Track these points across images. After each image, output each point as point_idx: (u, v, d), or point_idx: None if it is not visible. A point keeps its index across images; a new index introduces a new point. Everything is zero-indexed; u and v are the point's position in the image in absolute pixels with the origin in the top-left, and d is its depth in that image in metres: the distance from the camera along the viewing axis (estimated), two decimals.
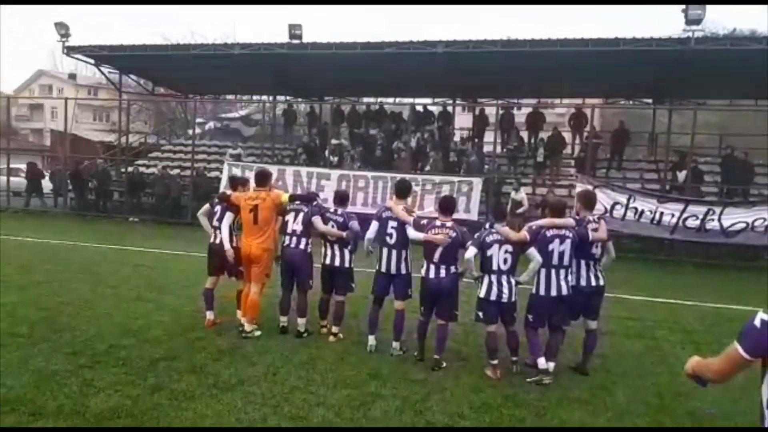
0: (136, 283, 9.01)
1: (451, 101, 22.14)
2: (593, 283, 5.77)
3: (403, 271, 6.21)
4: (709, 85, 18.29)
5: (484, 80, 19.12)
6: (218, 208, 6.92)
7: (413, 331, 6.19)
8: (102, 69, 21.22)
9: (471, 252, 5.68)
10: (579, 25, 68.08)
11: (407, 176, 14.68)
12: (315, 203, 6.85)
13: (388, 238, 6.20)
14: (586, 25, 72.09)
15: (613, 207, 13.58)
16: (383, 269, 6.24)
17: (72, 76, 44.83)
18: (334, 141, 18.84)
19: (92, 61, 20.58)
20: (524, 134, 19.86)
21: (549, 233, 5.62)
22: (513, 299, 5.72)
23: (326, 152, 17.31)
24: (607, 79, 18.29)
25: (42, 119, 47.04)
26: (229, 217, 6.80)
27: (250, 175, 15.04)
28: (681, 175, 15.86)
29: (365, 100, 24.02)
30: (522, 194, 15.32)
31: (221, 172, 16.59)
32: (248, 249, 6.64)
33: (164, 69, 21.30)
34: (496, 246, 5.70)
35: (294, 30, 16.99)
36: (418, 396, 5.14)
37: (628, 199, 13.70)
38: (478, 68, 17.43)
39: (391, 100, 23.11)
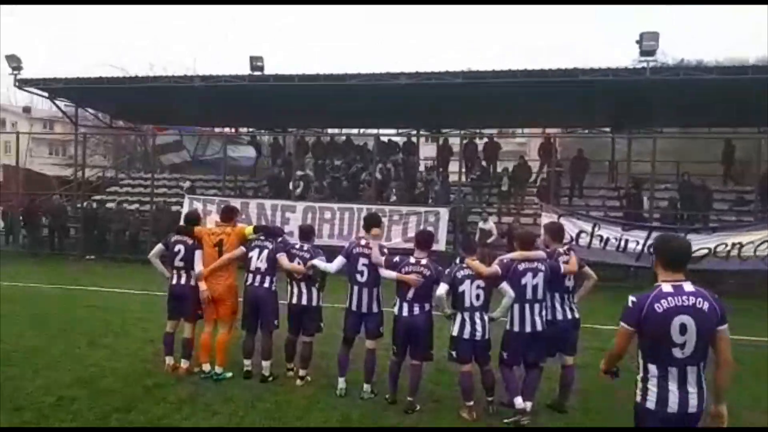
0: (90, 327, 8.50)
1: (414, 132, 22.23)
2: (569, 316, 5.65)
3: (375, 310, 5.98)
4: (664, 113, 18.73)
5: (446, 110, 19.23)
6: (180, 247, 6.56)
7: (385, 371, 5.93)
8: (57, 102, 20.61)
9: (442, 289, 5.50)
10: (538, 56, 70.00)
11: (374, 207, 14.87)
12: (280, 239, 6.59)
13: (358, 276, 5.95)
14: (546, 57, 74.24)
15: (578, 236, 13.65)
16: (354, 307, 5.99)
17: (26, 110, 43.78)
18: (299, 172, 18.61)
19: (46, 94, 19.96)
20: (484, 163, 19.99)
21: (521, 267, 5.47)
22: (487, 336, 5.53)
23: (290, 184, 17.02)
24: (566, 108, 18.63)
25: None
26: (199, 254, 6.45)
27: (212, 209, 14.75)
28: (646, 201, 16.11)
29: (329, 131, 23.96)
30: (490, 223, 15.31)
31: (182, 206, 16.11)
32: (212, 287, 6.32)
33: (122, 101, 20.75)
34: (467, 282, 5.52)
35: (255, 62, 16.84)
36: None
37: (593, 227, 13.80)
38: (440, 99, 17.53)
39: (355, 131, 23.07)
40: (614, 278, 14.58)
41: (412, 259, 5.77)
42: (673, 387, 3.31)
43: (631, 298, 3.37)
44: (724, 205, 17.20)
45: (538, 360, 5.56)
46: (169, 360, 6.53)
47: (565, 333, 5.65)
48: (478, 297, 5.50)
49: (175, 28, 75.13)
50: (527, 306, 5.42)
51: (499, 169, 19.71)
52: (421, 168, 20.78)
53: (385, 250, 6.02)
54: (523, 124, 23.43)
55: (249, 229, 6.52)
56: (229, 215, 6.68)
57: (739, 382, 6.68)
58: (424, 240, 5.98)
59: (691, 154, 21.11)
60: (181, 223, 12.87)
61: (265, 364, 6.31)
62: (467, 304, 5.50)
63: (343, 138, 21.99)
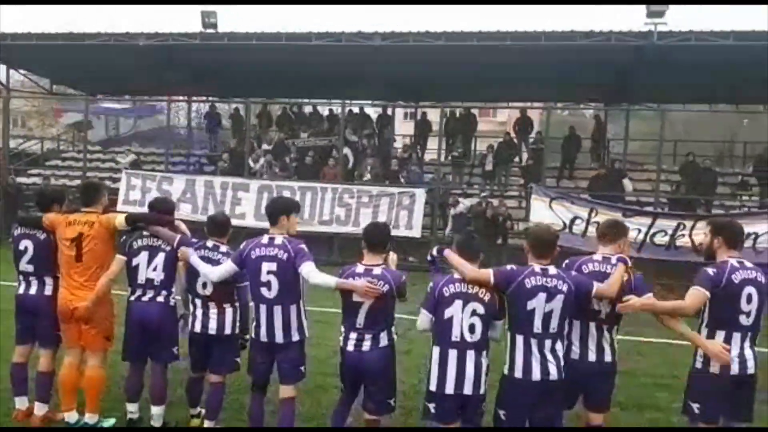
0: None
1: (390, 104, 20.27)
2: (596, 357, 3.84)
3: (294, 338, 4.08)
4: (665, 88, 17.18)
5: (425, 81, 17.42)
6: (26, 243, 4.59)
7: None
8: None
9: (424, 321, 3.72)
10: (533, 20, 66.62)
11: (340, 186, 12.98)
12: (180, 238, 4.49)
13: (264, 290, 4.03)
14: (540, 21, 70.57)
15: (572, 222, 12.02)
16: (262, 337, 4.08)
17: None
18: (264, 146, 16.58)
19: None
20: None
21: (529, 282, 3.63)
22: (482, 391, 3.71)
23: (249, 159, 14.98)
24: (559, 79, 16.85)
25: None
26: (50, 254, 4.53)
27: (151, 186, 12.56)
28: (627, 184, 14.42)
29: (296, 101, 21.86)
30: (466, 204, 13.54)
31: (119, 183, 13.99)
32: (69, 301, 4.36)
33: (60, 64, 18.43)
34: (458, 303, 3.66)
35: (208, 18, 14.69)
36: None
37: (590, 213, 12.10)
38: (419, 67, 15.67)
39: (324, 101, 20.99)
40: None
41: (360, 267, 3.91)
42: (735, 350, 3.64)
43: (710, 269, 3.70)
44: (726, 190, 15.75)
45: (551, 423, 3.71)
46: (20, 403, 4.59)
47: (590, 381, 3.84)
48: (472, 328, 3.66)
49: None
50: (535, 342, 3.61)
51: (481, 147, 17.95)
52: (398, 144, 18.91)
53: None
54: (507, 99, 21.58)
55: (119, 219, 4.45)
56: (91, 195, 4.60)
57: None
58: (378, 239, 4.05)
59: (692, 134, 19.53)
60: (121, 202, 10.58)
61: (156, 410, 4.43)
62: (455, 337, 3.65)
63: (310, 109, 19.90)
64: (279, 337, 4.02)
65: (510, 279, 3.62)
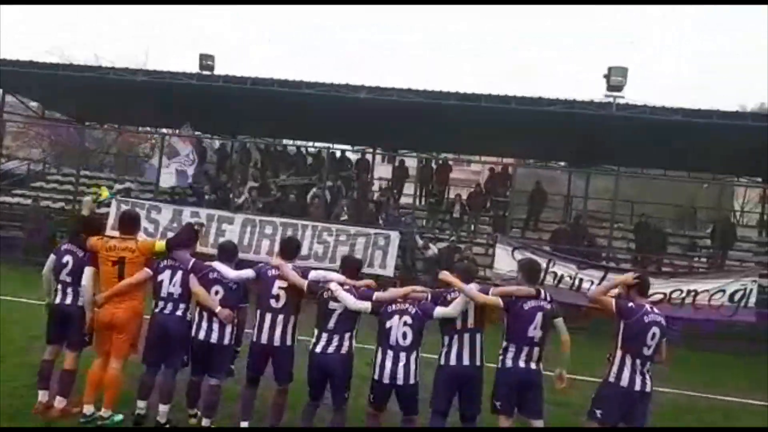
0: None
1: (370, 150, 21.37)
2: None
3: (288, 343, 5.07)
4: (623, 152, 18.60)
5: (404, 130, 18.48)
6: (68, 258, 5.37)
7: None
8: None
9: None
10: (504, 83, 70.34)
11: (320, 225, 13.82)
12: (194, 262, 5.36)
13: (272, 301, 5.00)
14: (509, 85, 74.87)
15: None
16: (263, 340, 5.04)
17: None
18: (251, 183, 17.37)
19: None
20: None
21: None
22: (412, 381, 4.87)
23: (232, 195, 15.75)
24: (526, 139, 18.15)
25: None
26: (89, 272, 5.29)
27: (140, 214, 13.28)
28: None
29: (281, 142, 22.78)
30: (432, 251, 14.47)
31: (109, 207, 14.62)
32: (110, 313, 5.13)
33: (55, 91, 19.11)
34: (396, 317, 4.82)
35: (205, 60, 15.68)
36: None
37: (548, 263, 13.09)
38: (399, 117, 16.75)
39: (307, 144, 21.99)
40: (568, 317, 13.98)
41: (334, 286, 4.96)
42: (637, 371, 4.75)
43: (632, 304, 4.83)
44: (678, 250, 16.99)
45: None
46: (42, 396, 5.29)
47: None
48: (405, 335, 4.79)
49: (127, 23, 71.92)
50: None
51: (453, 195, 19.06)
52: (375, 188, 19.88)
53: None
54: (481, 152, 22.89)
55: (160, 244, 5.35)
56: (130, 225, 5.48)
57: None
58: (350, 266, 5.31)
59: (645, 197, 20.93)
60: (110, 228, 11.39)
61: (163, 408, 5.17)
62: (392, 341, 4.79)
63: (294, 149, 20.84)
64: (277, 341, 4.95)
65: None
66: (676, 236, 18.14)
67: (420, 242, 14.75)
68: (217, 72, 15.94)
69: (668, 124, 14.54)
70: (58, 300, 5.38)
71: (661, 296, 12.41)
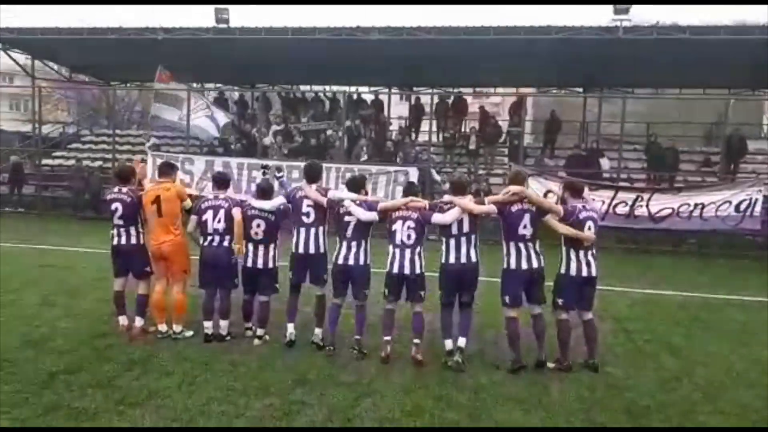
0: (43, 286, 8.23)
1: (386, 90, 21.83)
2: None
3: (321, 251, 6.08)
4: (636, 74, 18.72)
5: (418, 68, 18.86)
6: (116, 205, 6.26)
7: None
8: (12, 54, 19.66)
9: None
10: (515, 14, 68.81)
11: (342, 166, 14.64)
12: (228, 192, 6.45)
13: (304, 218, 6.01)
14: (520, 14, 73.18)
15: (546, 195, 13.56)
16: (300, 250, 6.05)
17: None
18: (275, 127, 18.15)
19: None
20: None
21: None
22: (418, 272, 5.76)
23: (259, 141, 16.62)
24: (539, 68, 18.40)
25: None
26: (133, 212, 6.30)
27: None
28: (604, 162, 16.17)
29: (298, 88, 23.37)
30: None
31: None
32: (158, 246, 6.16)
33: (81, 55, 19.86)
34: (399, 221, 5.71)
35: (220, 14, 16.20)
36: (346, 402, 4.83)
37: (560, 187, 13.80)
38: (413, 56, 17.14)
39: (324, 88, 22.55)
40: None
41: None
42: (582, 259, 5.78)
43: (567, 207, 5.76)
44: (692, 167, 17.40)
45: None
46: (123, 320, 6.37)
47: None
48: (409, 236, 5.69)
49: None
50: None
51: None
52: (393, 127, 20.47)
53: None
54: (496, 84, 23.14)
55: (188, 202, 6.33)
56: (167, 170, 6.49)
57: (693, 340, 6.86)
58: (356, 184, 6.15)
59: (661, 117, 21.11)
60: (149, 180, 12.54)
61: (223, 323, 6.21)
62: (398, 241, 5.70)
63: (312, 94, 21.44)
64: (312, 250, 5.99)
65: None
66: (691, 153, 18.47)
67: (437, 177, 15.48)
68: (232, 25, 16.40)
69: (677, 43, 14.76)
70: (115, 242, 6.32)
71: (670, 211, 13.17)
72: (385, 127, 19.24)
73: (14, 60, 20.16)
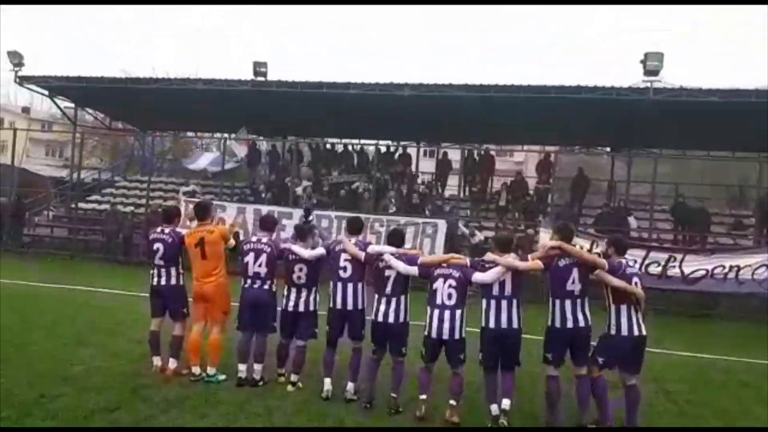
0: (79, 326, 8.32)
1: (414, 144, 22.17)
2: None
3: (359, 307, 5.99)
4: (663, 135, 18.81)
5: (447, 123, 19.19)
6: (158, 245, 6.37)
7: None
8: (56, 101, 20.48)
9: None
10: (543, 73, 70.12)
11: (372, 216, 14.75)
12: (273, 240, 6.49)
13: (341, 272, 5.96)
14: (549, 73, 74.64)
15: None
16: (338, 305, 5.98)
17: (26, 110, 43.52)
18: (305, 183, 18.49)
19: (46, 92, 19.83)
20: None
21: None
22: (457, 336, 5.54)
23: (291, 191, 16.93)
24: (566, 127, 18.60)
25: None
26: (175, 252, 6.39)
27: None
28: (632, 221, 16.05)
29: (329, 140, 23.84)
30: (478, 237, 15.14)
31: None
32: (200, 287, 6.21)
33: (123, 103, 20.65)
34: (440, 280, 5.55)
35: (259, 67, 16.80)
36: None
37: (591, 245, 13.66)
38: (442, 111, 17.46)
39: (354, 141, 22.97)
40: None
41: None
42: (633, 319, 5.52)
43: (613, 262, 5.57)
44: (722, 229, 17.17)
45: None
46: (157, 360, 6.36)
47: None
48: (450, 296, 5.50)
49: (176, 35, 74.85)
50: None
51: (496, 185, 19.69)
52: (420, 180, 20.69)
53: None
54: (522, 141, 23.40)
55: (231, 241, 6.42)
56: (204, 212, 6.62)
57: (740, 403, 6.61)
58: (397, 238, 6.11)
59: (687, 179, 21.01)
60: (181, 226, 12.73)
61: (257, 367, 6.16)
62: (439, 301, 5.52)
63: (341, 147, 21.86)
64: (350, 306, 5.93)
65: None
66: (720, 216, 18.27)
67: (466, 231, 15.48)
68: (270, 78, 16.97)
69: (706, 106, 14.86)
70: (155, 282, 6.41)
71: (704, 272, 12.93)
72: (412, 181, 19.46)
73: (59, 107, 20.95)
